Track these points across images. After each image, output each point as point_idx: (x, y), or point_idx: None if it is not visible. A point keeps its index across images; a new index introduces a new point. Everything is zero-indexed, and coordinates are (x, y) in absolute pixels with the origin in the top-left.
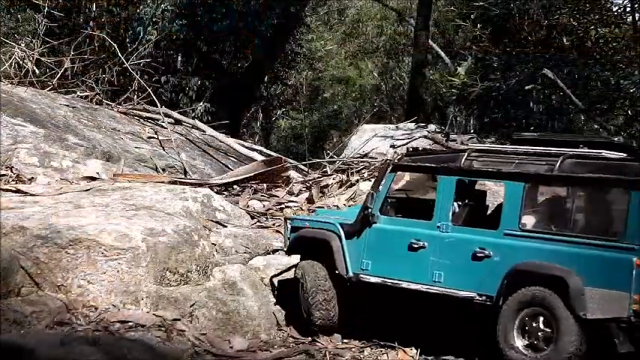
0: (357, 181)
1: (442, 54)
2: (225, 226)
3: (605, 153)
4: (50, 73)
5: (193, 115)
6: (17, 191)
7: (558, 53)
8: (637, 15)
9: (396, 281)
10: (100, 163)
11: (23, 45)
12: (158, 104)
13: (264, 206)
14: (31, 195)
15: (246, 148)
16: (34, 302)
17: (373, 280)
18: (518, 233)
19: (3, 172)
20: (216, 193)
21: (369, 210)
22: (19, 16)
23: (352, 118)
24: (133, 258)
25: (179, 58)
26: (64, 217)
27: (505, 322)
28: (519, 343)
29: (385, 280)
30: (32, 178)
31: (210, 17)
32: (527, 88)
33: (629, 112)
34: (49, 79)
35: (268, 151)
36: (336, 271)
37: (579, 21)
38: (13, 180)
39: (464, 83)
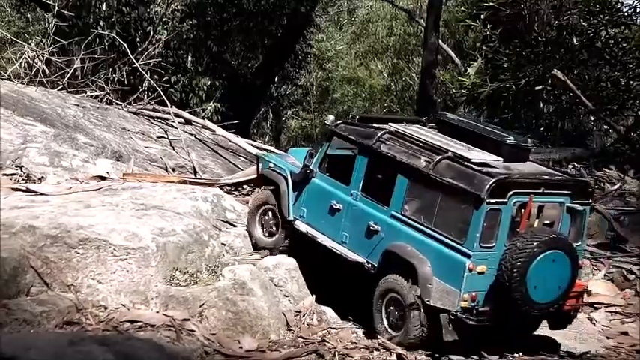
0: None
1: (452, 54)
2: (235, 226)
3: (476, 160)
4: (60, 72)
5: (203, 115)
6: (27, 191)
7: (568, 54)
8: None
9: (317, 234)
10: (109, 163)
11: (33, 44)
12: (168, 104)
13: None
14: (41, 194)
15: (256, 148)
16: (44, 301)
17: (302, 228)
18: (400, 217)
19: (13, 172)
20: (226, 193)
21: (308, 167)
22: (29, 15)
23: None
24: (143, 258)
25: (189, 58)
26: (74, 216)
27: (375, 302)
28: (385, 322)
29: (309, 231)
30: (42, 177)
31: (220, 17)
32: (537, 88)
33: (639, 112)
34: (59, 79)
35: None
36: (281, 211)
37: (589, 22)
38: (23, 179)
39: (474, 83)
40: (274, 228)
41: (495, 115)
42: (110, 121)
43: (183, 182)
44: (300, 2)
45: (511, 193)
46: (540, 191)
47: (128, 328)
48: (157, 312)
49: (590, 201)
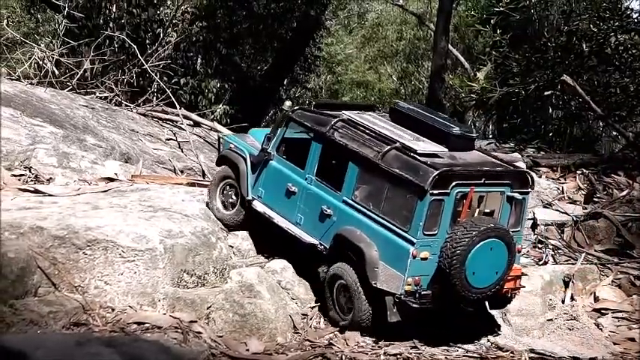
0: None
1: (462, 59)
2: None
3: (421, 150)
4: (70, 73)
5: (212, 117)
6: (35, 191)
7: (578, 59)
8: None
9: (273, 214)
10: (118, 164)
11: (43, 45)
12: (177, 106)
13: None
14: (49, 195)
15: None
16: (51, 302)
17: (260, 208)
18: (351, 202)
19: (22, 172)
20: None
21: (266, 149)
22: (39, 16)
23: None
24: (151, 259)
25: (199, 60)
26: (82, 217)
27: (326, 289)
28: (337, 308)
29: (266, 211)
30: (50, 178)
31: (230, 20)
32: (546, 93)
33: None
34: (69, 80)
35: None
36: (240, 191)
37: (599, 27)
38: (31, 180)
39: (483, 88)
40: (234, 199)
41: (504, 120)
42: (119, 122)
43: (192, 184)
44: (310, 5)
45: (453, 184)
46: (482, 182)
47: (135, 330)
48: (164, 314)
49: (530, 190)
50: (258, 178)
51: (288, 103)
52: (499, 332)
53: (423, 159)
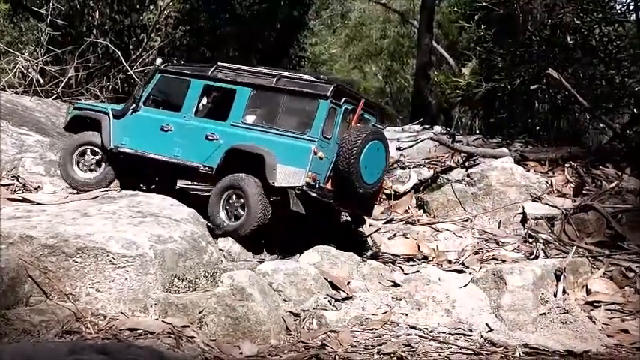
0: None
1: (446, 55)
2: None
3: (307, 76)
4: (54, 81)
5: None
6: (24, 200)
7: (562, 52)
8: None
9: (145, 152)
10: None
11: (27, 54)
12: None
13: None
14: (38, 204)
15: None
16: (43, 311)
17: (128, 150)
18: (241, 125)
19: (9, 182)
20: None
21: (136, 100)
22: (22, 25)
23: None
24: (141, 265)
25: None
26: (72, 225)
27: (214, 197)
28: (223, 215)
29: (137, 151)
30: (39, 187)
31: (213, 23)
32: (531, 87)
33: (635, 110)
34: (54, 88)
35: None
36: (102, 142)
37: (583, 20)
38: (19, 189)
39: (468, 84)
40: (94, 165)
41: (491, 116)
42: None
43: (180, 189)
44: (293, 6)
45: (344, 99)
46: (360, 105)
47: (128, 336)
48: (157, 319)
49: (378, 120)
50: (123, 129)
51: (159, 60)
52: (492, 328)
53: (317, 79)
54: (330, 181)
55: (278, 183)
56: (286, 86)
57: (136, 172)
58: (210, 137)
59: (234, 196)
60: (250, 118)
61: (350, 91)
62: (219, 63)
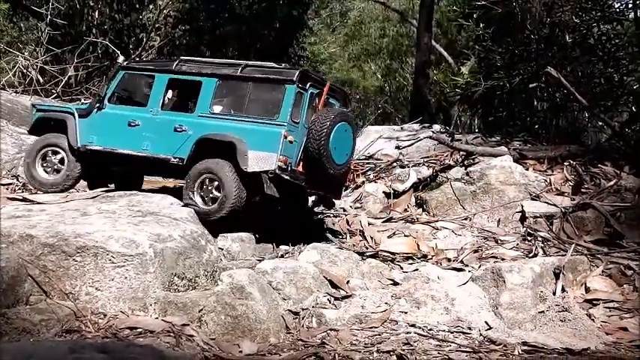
0: (363, 182)
1: (445, 54)
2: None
3: (271, 64)
4: (54, 81)
5: None
6: (24, 200)
7: (561, 51)
8: (639, 11)
9: (114, 148)
10: None
11: (27, 53)
12: None
13: None
14: (38, 203)
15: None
16: (43, 310)
17: (96, 148)
18: (208, 115)
19: (9, 181)
20: None
21: (99, 101)
22: (22, 24)
23: (357, 120)
24: (141, 264)
25: None
26: (71, 224)
27: (189, 182)
28: (198, 199)
29: (106, 147)
30: None
31: (212, 22)
32: (530, 86)
33: (633, 108)
34: (53, 87)
35: None
36: (69, 142)
37: (581, 18)
38: (19, 189)
39: (467, 83)
40: (59, 165)
41: (490, 114)
42: None
43: (179, 187)
44: (293, 6)
45: (309, 84)
46: (325, 89)
47: (128, 335)
48: (156, 318)
49: (342, 104)
50: (89, 128)
51: (121, 57)
52: (491, 326)
53: (280, 67)
54: (300, 164)
55: (251, 168)
56: (252, 74)
57: (104, 171)
58: (178, 129)
59: (207, 180)
60: (218, 108)
61: (315, 76)
62: (182, 57)
